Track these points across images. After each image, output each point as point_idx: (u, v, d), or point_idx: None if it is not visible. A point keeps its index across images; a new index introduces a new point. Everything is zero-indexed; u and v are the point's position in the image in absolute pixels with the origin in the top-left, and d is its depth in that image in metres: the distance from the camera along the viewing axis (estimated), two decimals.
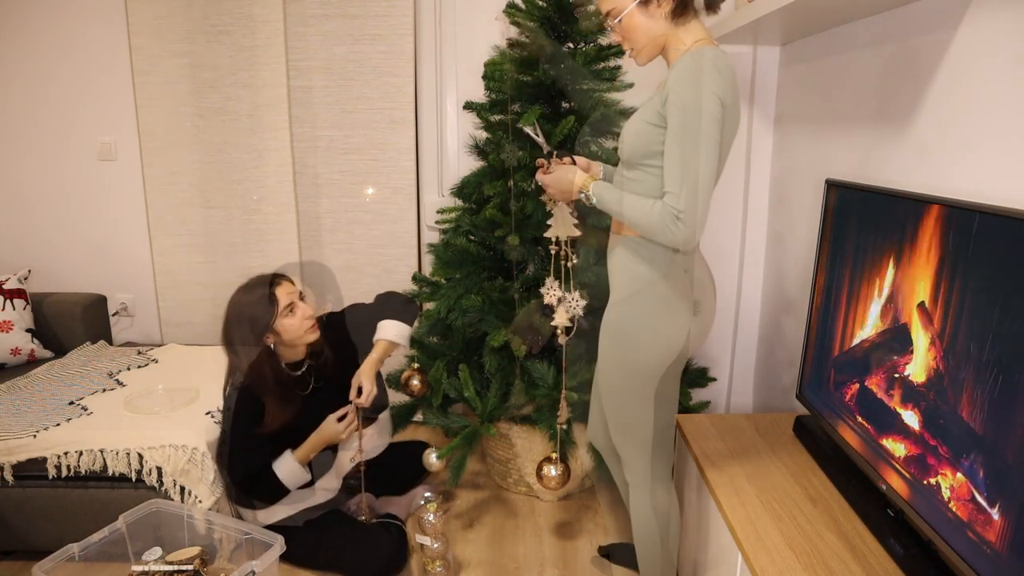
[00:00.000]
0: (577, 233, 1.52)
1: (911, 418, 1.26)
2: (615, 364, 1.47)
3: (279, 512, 1.96)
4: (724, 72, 1.25)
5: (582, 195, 1.42)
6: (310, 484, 1.97)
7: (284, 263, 2.84)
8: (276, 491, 1.90)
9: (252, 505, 1.91)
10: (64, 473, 1.91)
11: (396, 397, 2.34)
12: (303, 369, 1.97)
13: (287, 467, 1.89)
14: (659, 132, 1.31)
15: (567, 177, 1.44)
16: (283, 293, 1.83)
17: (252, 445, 1.87)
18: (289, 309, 1.83)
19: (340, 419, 1.93)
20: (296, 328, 1.84)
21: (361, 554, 1.90)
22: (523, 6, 2.13)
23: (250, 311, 1.80)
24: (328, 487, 2.05)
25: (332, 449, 2.08)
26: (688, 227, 1.26)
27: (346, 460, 2.08)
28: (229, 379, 1.89)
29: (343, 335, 2.06)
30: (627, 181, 1.42)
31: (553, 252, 1.56)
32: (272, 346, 1.86)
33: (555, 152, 1.55)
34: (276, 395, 1.84)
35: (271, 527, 1.94)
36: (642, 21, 1.34)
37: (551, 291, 1.58)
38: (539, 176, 1.49)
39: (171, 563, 1.66)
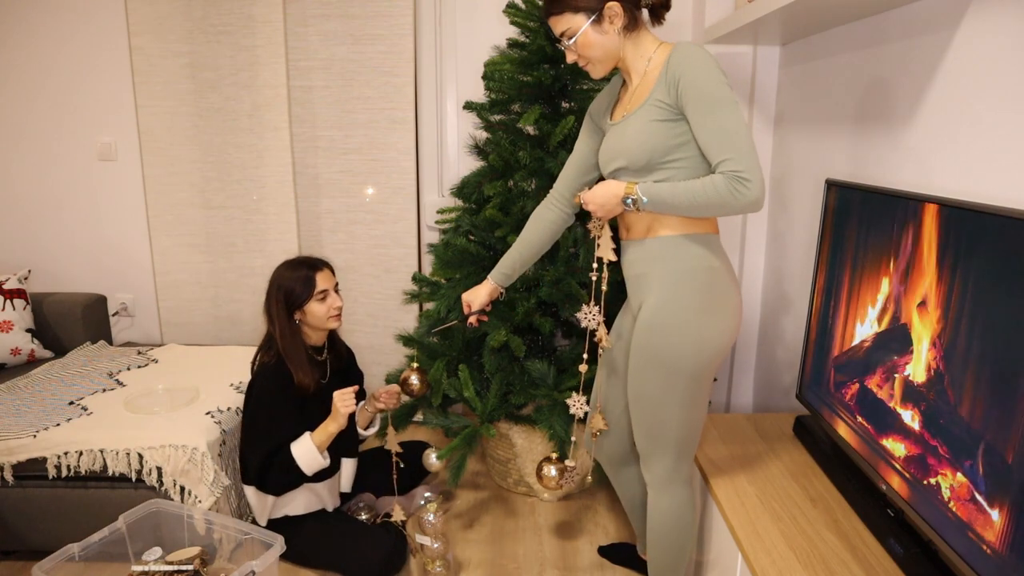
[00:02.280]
0: (615, 258, 1.50)
1: (911, 418, 1.26)
2: (661, 366, 1.42)
3: (281, 508, 1.97)
4: (707, 51, 1.34)
5: (628, 202, 1.38)
6: (326, 476, 1.97)
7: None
8: (292, 473, 1.88)
9: (268, 489, 1.90)
10: (64, 473, 1.91)
11: None
12: (322, 356, 2.04)
13: (304, 447, 1.88)
14: (673, 125, 1.35)
15: (609, 191, 1.41)
16: (322, 279, 1.94)
17: (278, 420, 1.89)
18: (323, 295, 1.93)
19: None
20: (323, 314, 1.94)
21: (361, 554, 1.90)
22: (523, 6, 2.13)
23: (288, 285, 1.92)
24: (332, 497, 2.05)
25: (348, 455, 2.10)
26: (758, 182, 1.26)
27: (349, 469, 2.11)
28: (262, 348, 1.97)
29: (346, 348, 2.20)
30: (638, 174, 1.43)
31: (594, 278, 1.53)
32: (298, 322, 1.95)
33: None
34: (305, 363, 1.92)
35: (272, 524, 1.94)
36: (597, 38, 1.41)
37: (590, 316, 1.53)
38: (583, 197, 1.47)
39: (171, 563, 1.66)
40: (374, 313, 2.93)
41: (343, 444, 2.08)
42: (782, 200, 2.26)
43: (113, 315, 2.99)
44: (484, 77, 2.20)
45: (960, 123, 1.32)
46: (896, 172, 1.55)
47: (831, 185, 1.63)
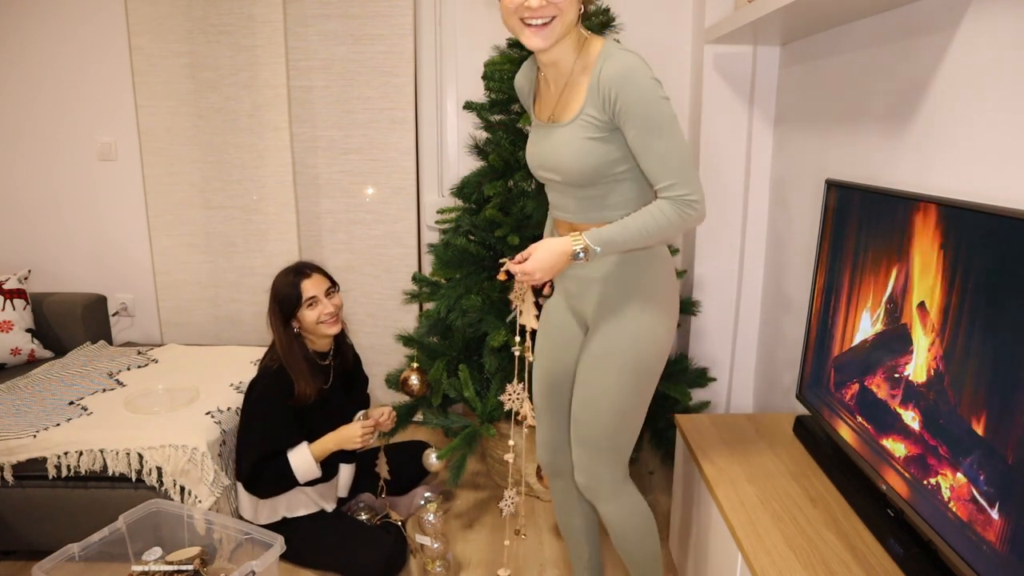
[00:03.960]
0: (535, 325, 1.42)
1: (911, 418, 1.26)
2: (627, 375, 1.40)
3: (280, 511, 1.97)
4: (641, 59, 1.25)
5: (579, 255, 1.29)
6: (319, 482, 1.97)
7: (284, 263, 2.84)
8: (285, 480, 1.90)
9: (257, 492, 1.91)
10: (64, 473, 1.91)
11: (396, 397, 2.34)
12: (326, 361, 2.04)
13: (301, 457, 1.89)
14: (608, 142, 1.28)
15: (553, 251, 1.30)
16: (310, 285, 1.92)
17: (275, 424, 1.90)
18: (311, 302, 1.92)
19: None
20: (311, 320, 1.92)
21: (361, 554, 1.90)
22: None
23: (279, 294, 1.92)
24: (328, 501, 2.05)
25: (345, 460, 2.10)
26: (703, 199, 1.27)
27: (347, 475, 2.11)
28: (266, 355, 1.98)
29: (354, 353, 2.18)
30: (588, 200, 1.36)
31: (517, 353, 1.44)
32: (296, 330, 1.95)
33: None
34: (305, 372, 1.92)
35: (271, 524, 1.94)
36: (576, 3, 1.26)
37: (513, 396, 1.47)
38: (519, 268, 1.32)
39: (171, 563, 1.66)
40: (374, 313, 2.93)
41: (341, 451, 2.09)
42: (782, 200, 2.26)
43: (113, 315, 2.99)
44: (484, 77, 2.20)
45: (960, 123, 1.32)
46: (896, 172, 1.55)
47: (831, 185, 1.63)
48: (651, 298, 1.40)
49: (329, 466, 1.98)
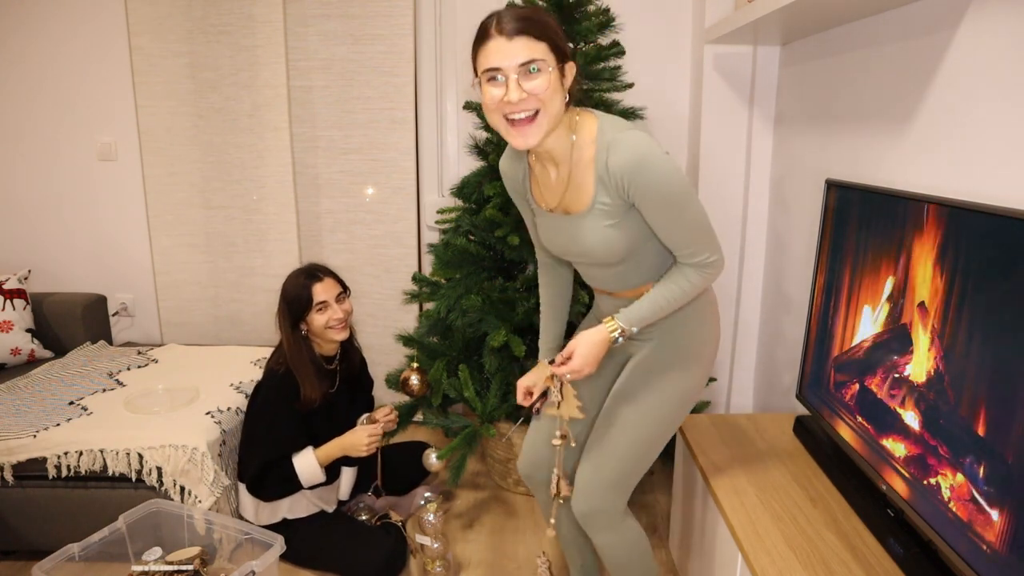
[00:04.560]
0: (582, 416, 1.42)
1: (911, 418, 1.26)
2: (659, 424, 1.42)
3: (280, 512, 1.97)
4: (642, 133, 1.22)
5: (618, 339, 1.33)
6: (323, 485, 1.97)
7: (284, 263, 2.84)
8: (289, 484, 1.89)
9: (260, 495, 1.91)
10: (64, 473, 1.91)
11: (396, 397, 2.34)
12: (333, 365, 2.04)
13: (306, 461, 1.89)
14: (627, 224, 1.28)
15: (593, 342, 1.33)
16: (320, 289, 1.91)
17: (280, 428, 1.90)
18: (321, 306, 1.90)
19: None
20: (320, 325, 1.91)
21: (361, 554, 1.90)
22: (523, 6, 2.13)
23: (289, 296, 1.91)
24: (329, 503, 2.05)
25: (348, 463, 2.10)
26: (723, 257, 1.32)
27: (349, 477, 2.11)
28: (273, 357, 1.97)
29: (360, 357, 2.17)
30: (623, 273, 1.37)
31: (557, 443, 1.45)
32: (304, 332, 1.93)
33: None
34: (312, 376, 1.91)
35: (271, 524, 1.94)
36: (558, 87, 1.18)
37: (554, 480, 1.50)
38: (566, 369, 1.34)
39: (171, 563, 1.66)
40: (374, 313, 2.93)
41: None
42: (782, 200, 2.26)
43: (113, 315, 2.99)
44: None
45: (960, 123, 1.32)
46: (896, 172, 1.55)
47: (831, 185, 1.63)
48: (699, 355, 1.43)
49: (332, 469, 1.98)
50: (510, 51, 1.13)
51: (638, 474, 1.44)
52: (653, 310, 1.32)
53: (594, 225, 1.28)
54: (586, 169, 1.26)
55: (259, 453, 1.89)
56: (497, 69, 1.14)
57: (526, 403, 1.52)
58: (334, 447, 1.92)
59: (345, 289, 2.00)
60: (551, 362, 1.40)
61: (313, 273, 1.93)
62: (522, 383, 1.51)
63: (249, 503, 1.96)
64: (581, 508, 1.43)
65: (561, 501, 1.53)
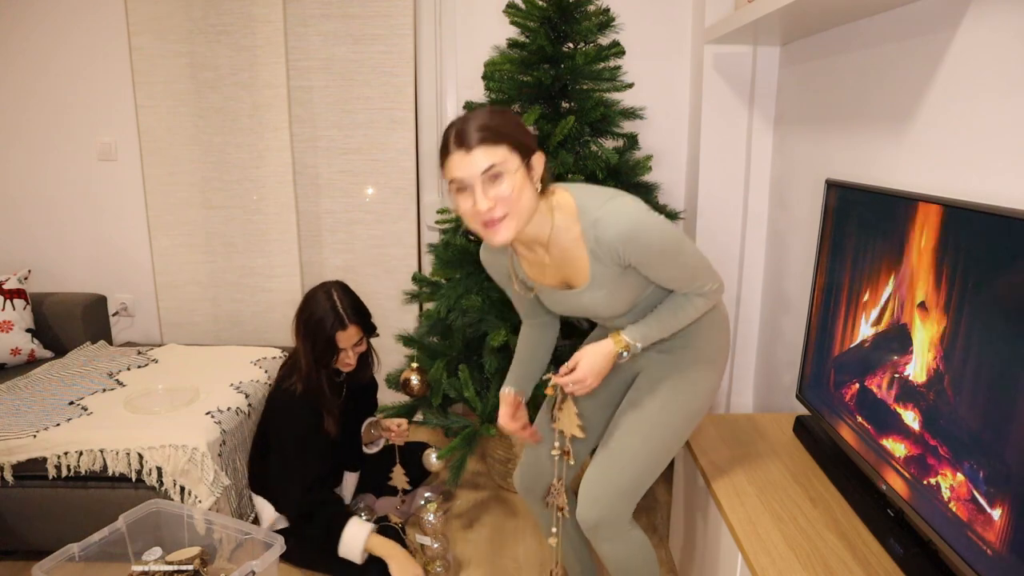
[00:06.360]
0: (582, 435, 1.41)
1: (911, 418, 1.26)
2: (673, 429, 1.43)
3: (282, 522, 1.98)
4: (621, 199, 1.24)
5: (623, 355, 1.34)
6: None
7: (284, 263, 2.85)
8: (328, 540, 1.85)
9: (302, 531, 1.91)
10: (64, 473, 1.91)
11: (396, 397, 2.34)
12: (342, 377, 2.06)
13: (357, 537, 1.83)
14: (628, 281, 1.30)
15: (599, 355, 1.33)
16: (343, 338, 1.90)
17: (311, 453, 1.91)
18: (341, 350, 1.92)
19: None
20: (333, 362, 1.95)
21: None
22: (523, 6, 2.13)
23: (314, 336, 1.89)
24: None
25: (351, 468, 2.12)
26: (722, 285, 1.38)
27: (351, 482, 2.15)
28: (287, 370, 1.97)
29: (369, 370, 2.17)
30: (630, 316, 1.40)
31: (556, 454, 1.45)
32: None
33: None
34: (332, 411, 1.95)
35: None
36: (527, 186, 1.19)
37: (553, 494, 1.50)
38: (569, 378, 1.34)
39: (171, 563, 1.66)
40: (374, 313, 2.90)
41: (347, 459, 2.10)
42: (782, 200, 2.26)
43: (113, 315, 2.99)
44: (484, 77, 2.20)
45: (960, 123, 1.32)
46: (896, 172, 1.55)
47: (831, 185, 1.63)
48: (709, 365, 1.46)
49: (336, 474, 1.99)
50: (470, 163, 1.15)
51: (646, 484, 1.44)
52: (660, 329, 1.35)
53: (596, 294, 1.32)
54: (574, 246, 1.28)
55: (297, 483, 1.89)
56: (461, 179, 1.17)
57: (526, 435, 1.52)
58: (386, 548, 1.84)
59: (367, 332, 1.98)
60: (555, 372, 1.39)
61: (342, 318, 1.88)
62: (503, 425, 1.51)
63: (269, 516, 1.99)
64: (589, 517, 1.41)
65: (559, 514, 1.52)
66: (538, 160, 1.22)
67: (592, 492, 1.42)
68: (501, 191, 1.16)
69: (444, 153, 1.19)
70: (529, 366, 1.59)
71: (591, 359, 1.34)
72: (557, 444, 1.46)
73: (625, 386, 1.54)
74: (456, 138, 1.16)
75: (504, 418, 1.51)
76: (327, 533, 1.85)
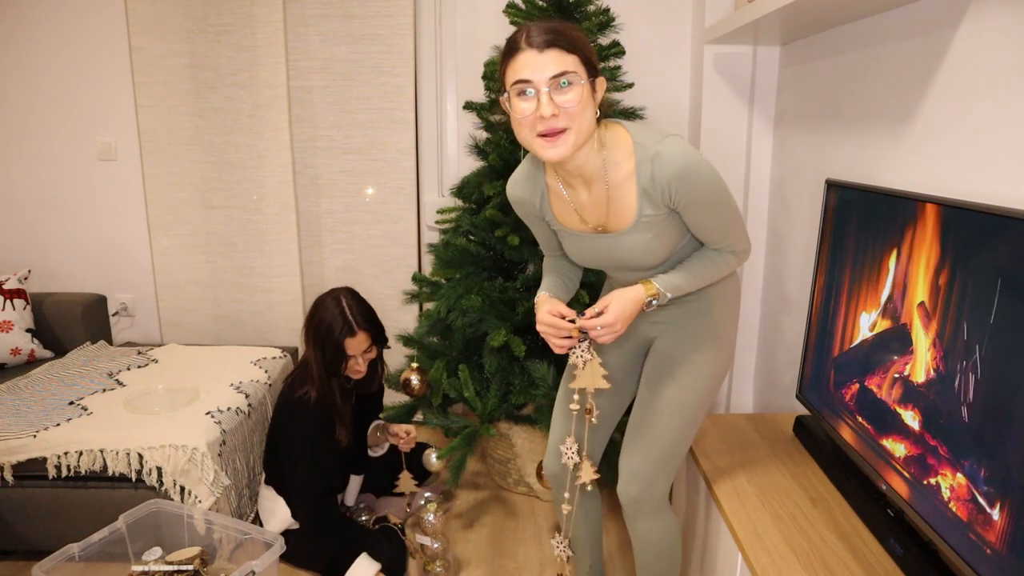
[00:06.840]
0: (607, 385, 1.33)
1: (911, 418, 1.26)
2: (700, 393, 1.43)
3: (284, 524, 1.99)
4: (679, 139, 1.22)
5: (651, 302, 1.30)
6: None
7: (284, 263, 2.84)
8: (342, 552, 1.88)
9: (305, 527, 1.93)
10: (64, 473, 1.91)
11: (396, 397, 2.34)
12: (351, 384, 2.06)
13: (364, 571, 1.85)
14: (668, 230, 1.30)
15: (628, 300, 1.27)
16: (352, 344, 1.89)
17: (323, 461, 1.92)
18: (350, 357, 1.91)
19: None
20: (343, 369, 1.94)
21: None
22: (523, 6, 2.13)
23: (324, 342, 1.88)
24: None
25: (355, 471, 2.12)
26: (750, 247, 1.40)
27: (355, 485, 2.16)
28: (298, 377, 1.95)
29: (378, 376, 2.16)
30: (649, 274, 1.36)
31: (575, 410, 1.39)
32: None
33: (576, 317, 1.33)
34: (345, 420, 1.96)
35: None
36: (589, 102, 1.16)
37: (569, 453, 1.43)
38: (598, 321, 1.24)
39: (171, 563, 1.66)
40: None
41: (352, 463, 2.10)
42: (782, 200, 2.26)
43: (113, 315, 2.99)
44: (484, 77, 2.21)
45: (960, 123, 1.32)
46: (896, 172, 1.55)
47: (831, 185, 1.63)
48: (725, 334, 1.47)
49: (341, 477, 2.00)
50: (541, 64, 1.10)
51: (681, 456, 1.46)
52: (691, 280, 1.33)
53: (639, 240, 1.29)
54: (624, 185, 1.24)
55: (306, 496, 1.90)
56: (527, 82, 1.11)
57: (566, 346, 1.31)
58: None
59: (377, 341, 1.97)
60: (581, 314, 1.28)
61: (351, 325, 1.88)
62: (548, 319, 1.29)
63: (280, 520, 1.99)
64: (632, 493, 1.44)
65: (578, 483, 1.46)
66: (600, 84, 1.19)
67: (633, 471, 1.44)
68: (568, 100, 1.11)
69: (512, 51, 1.13)
70: (561, 277, 1.50)
71: (620, 304, 1.26)
72: (576, 398, 1.40)
73: (642, 347, 1.52)
74: (528, 38, 1.11)
75: (545, 315, 1.30)
76: (334, 562, 1.88)
